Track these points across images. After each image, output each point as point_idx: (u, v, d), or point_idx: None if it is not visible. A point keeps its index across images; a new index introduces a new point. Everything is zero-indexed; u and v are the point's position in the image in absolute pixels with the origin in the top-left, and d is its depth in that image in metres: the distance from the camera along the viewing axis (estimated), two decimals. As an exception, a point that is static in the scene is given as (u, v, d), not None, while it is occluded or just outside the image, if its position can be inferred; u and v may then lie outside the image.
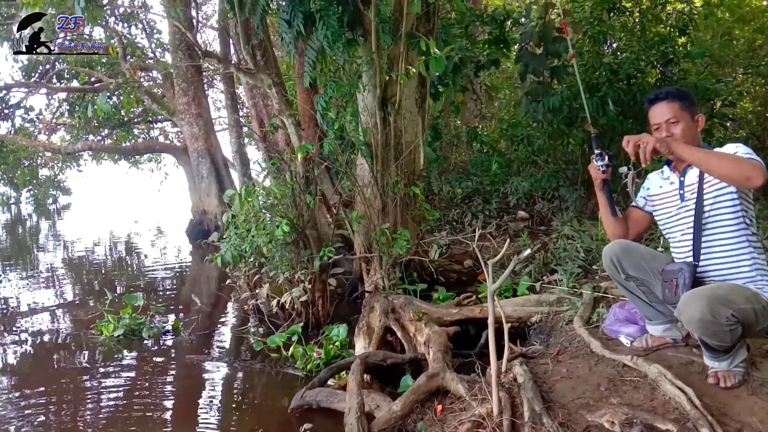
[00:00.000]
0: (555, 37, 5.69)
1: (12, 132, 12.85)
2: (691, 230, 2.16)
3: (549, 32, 5.74)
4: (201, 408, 3.21)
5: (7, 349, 4.30)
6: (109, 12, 10.25)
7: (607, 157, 2.23)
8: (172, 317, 4.92)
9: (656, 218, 2.38)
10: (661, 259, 2.31)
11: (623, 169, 2.23)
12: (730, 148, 2.03)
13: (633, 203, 2.44)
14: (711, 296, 1.91)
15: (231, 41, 8.80)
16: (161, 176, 15.66)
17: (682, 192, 2.21)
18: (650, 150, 1.93)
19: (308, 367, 3.47)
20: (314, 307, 4.20)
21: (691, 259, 2.16)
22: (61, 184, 19.03)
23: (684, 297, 1.98)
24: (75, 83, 12.31)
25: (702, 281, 2.13)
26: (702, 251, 2.14)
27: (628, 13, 6.51)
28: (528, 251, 2.58)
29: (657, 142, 1.94)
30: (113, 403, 3.26)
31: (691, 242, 2.16)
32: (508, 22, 6.01)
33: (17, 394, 3.41)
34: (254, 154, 13.09)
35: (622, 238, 2.38)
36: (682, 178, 2.22)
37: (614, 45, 6.65)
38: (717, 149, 2.08)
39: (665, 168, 2.34)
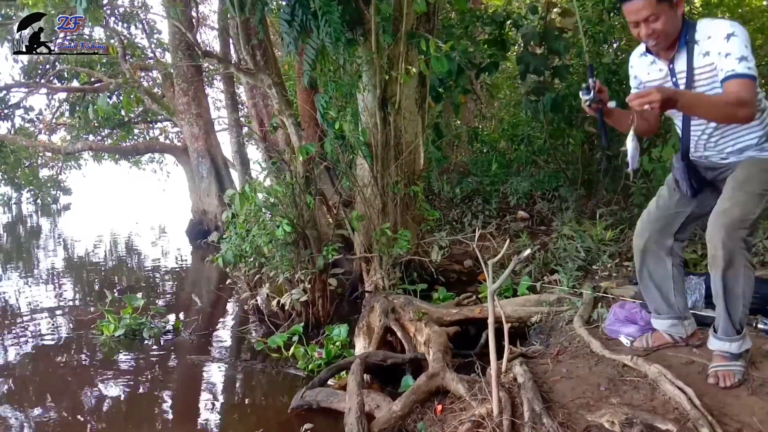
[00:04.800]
0: (556, 36, 5.69)
1: (12, 132, 12.85)
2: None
3: (550, 31, 5.74)
4: (201, 408, 3.21)
5: (8, 349, 4.30)
6: (109, 12, 10.25)
7: (593, 91, 2.01)
8: (172, 317, 4.91)
9: None
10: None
11: (629, 145, 2.02)
12: (722, 29, 1.90)
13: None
14: (727, 223, 1.95)
15: (231, 41, 8.79)
16: (164, 176, 15.69)
17: (674, 80, 2.09)
18: (657, 110, 1.82)
19: (309, 367, 3.47)
20: (314, 307, 4.20)
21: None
22: (62, 184, 19.04)
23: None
24: (75, 83, 12.29)
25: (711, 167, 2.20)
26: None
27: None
28: (528, 251, 2.58)
29: (663, 101, 1.77)
30: (114, 402, 3.27)
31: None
32: (508, 23, 6.00)
33: (18, 394, 3.41)
34: (254, 154, 13.09)
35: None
36: (671, 66, 2.09)
37: (614, 45, 6.65)
38: (708, 24, 1.97)
39: (647, 53, 2.16)
